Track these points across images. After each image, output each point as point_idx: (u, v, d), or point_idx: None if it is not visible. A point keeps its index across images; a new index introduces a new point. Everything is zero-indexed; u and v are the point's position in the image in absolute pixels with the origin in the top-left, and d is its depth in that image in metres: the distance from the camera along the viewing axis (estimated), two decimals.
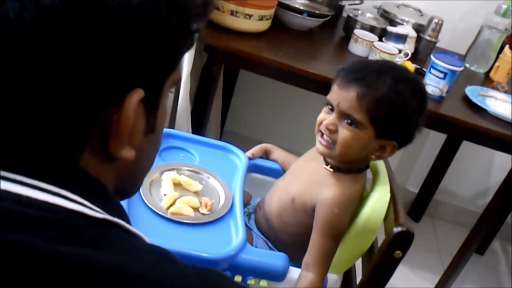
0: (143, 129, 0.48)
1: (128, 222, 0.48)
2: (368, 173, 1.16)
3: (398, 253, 0.99)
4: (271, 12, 1.67)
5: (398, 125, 1.04)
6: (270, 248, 1.18)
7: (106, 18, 0.40)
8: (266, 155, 1.35)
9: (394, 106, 1.02)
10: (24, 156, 0.43)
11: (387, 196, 1.09)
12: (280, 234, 1.17)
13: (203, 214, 1.07)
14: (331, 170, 1.12)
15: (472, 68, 1.94)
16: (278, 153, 1.34)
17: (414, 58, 1.79)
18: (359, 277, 1.13)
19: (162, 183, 1.12)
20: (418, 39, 1.86)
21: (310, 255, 1.07)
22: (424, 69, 1.68)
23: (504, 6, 1.82)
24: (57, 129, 0.42)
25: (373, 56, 1.67)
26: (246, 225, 1.15)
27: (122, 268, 0.40)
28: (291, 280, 1.06)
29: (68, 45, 0.39)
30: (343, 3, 1.96)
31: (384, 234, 1.03)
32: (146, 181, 1.10)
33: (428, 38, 1.86)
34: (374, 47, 1.67)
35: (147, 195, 1.07)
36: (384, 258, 1.00)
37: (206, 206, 1.08)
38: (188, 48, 0.49)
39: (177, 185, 1.13)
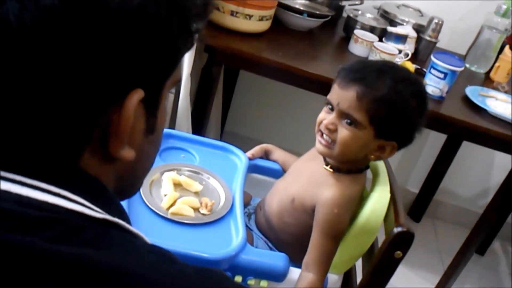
0: (143, 129, 0.48)
1: (128, 222, 0.48)
2: (368, 173, 1.16)
3: (398, 253, 0.99)
4: (271, 12, 1.67)
5: (397, 125, 1.04)
6: (271, 249, 1.18)
7: (106, 18, 0.40)
8: (266, 155, 1.35)
9: (394, 106, 1.02)
10: (24, 156, 0.43)
11: (387, 196, 1.09)
12: (280, 234, 1.17)
13: (203, 214, 1.08)
14: (331, 170, 1.12)
15: (472, 68, 1.94)
16: (278, 154, 1.34)
17: (414, 58, 1.79)
18: (359, 277, 1.13)
19: (162, 183, 1.12)
20: (418, 40, 1.86)
21: (310, 255, 1.07)
22: (424, 70, 1.68)
23: (504, 6, 1.82)
24: (57, 130, 0.42)
25: (373, 57, 1.67)
26: (247, 226, 1.15)
27: (122, 268, 0.40)
28: (291, 280, 1.06)
29: (68, 46, 0.39)
30: (343, 3, 1.96)
31: (384, 234, 1.03)
32: (147, 181, 1.10)
33: (428, 38, 1.86)
34: (374, 47, 1.67)
35: (148, 196, 1.07)
36: (384, 258, 1.00)
37: (206, 207, 1.08)
38: (188, 49, 0.49)
39: (177, 185, 1.13)
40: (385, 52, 1.65)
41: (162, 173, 1.14)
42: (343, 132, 1.04)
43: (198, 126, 1.66)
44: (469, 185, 2.40)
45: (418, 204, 2.40)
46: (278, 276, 1.04)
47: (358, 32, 1.75)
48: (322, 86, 1.44)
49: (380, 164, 1.19)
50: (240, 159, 1.27)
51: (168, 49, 0.46)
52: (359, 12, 1.92)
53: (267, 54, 1.58)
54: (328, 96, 1.08)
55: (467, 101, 1.63)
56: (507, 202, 1.80)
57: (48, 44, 0.39)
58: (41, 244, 0.38)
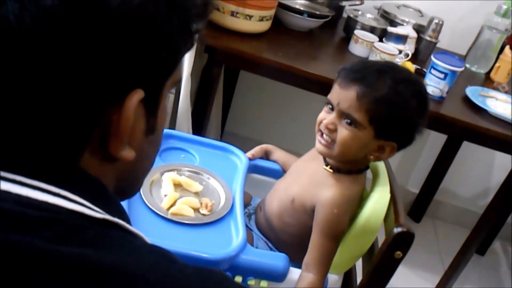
0: (143, 129, 0.48)
1: (129, 222, 0.48)
2: (368, 174, 1.16)
3: (398, 253, 0.99)
4: (271, 12, 1.67)
5: (397, 126, 1.04)
6: (271, 249, 1.18)
7: (106, 18, 0.40)
8: (266, 155, 1.35)
9: (394, 107, 1.02)
10: (24, 156, 0.43)
11: (387, 196, 1.09)
12: (281, 235, 1.17)
13: (203, 214, 1.08)
14: (331, 170, 1.12)
15: (473, 69, 1.94)
16: (279, 154, 1.34)
17: (414, 58, 1.79)
18: (359, 277, 1.13)
19: (162, 183, 1.12)
20: (419, 40, 1.86)
21: (310, 255, 1.07)
22: (425, 70, 1.68)
23: (504, 7, 1.82)
24: (57, 130, 0.43)
25: (373, 57, 1.67)
26: (247, 226, 1.15)
27: (122, 268, 0.40)
28: (291, 280, 1.06)
29: (68, 46, 0.39)
30: (343, 3, 1.96)
31: (384, 235, 1.03)
32: (147, 181, 1.10)
33: (428, 38, 1.86)
34: (375, 47, 1.67)
35: (148, 196, 1.07)
36: (384, 259, 1.00)
37: (206, 207, 1.08)
38: (188, 49, 0.49)
39: (177, 185, 1.13)
40: (385, 53, 1.65)
41: (162, 174, 1.14)
42: (343, 132, 1.04)
43: (198, 126, 1.66)
44: (469, 185, 2.40)
45: (419, 204, 2.40)
46: (278, 276, 1.04)
47: (358, 32, 1.75)
48: (322, 87, 1.44)
49: (380, 164, 1.19)
50: (240, 159, 1.27)
51: (168, 49, 0.46)
52: (359, 12, 1.92)
53: (267, 55, 1.59)
54: (329, 96, 1.08)
55: (467, 101, 1.63)
56: (507, 202, 1.80)
57: (48, 44, 0.39)
58: (41, 244, 0.38)
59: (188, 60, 1.50)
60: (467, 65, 1.93)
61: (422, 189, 2.39)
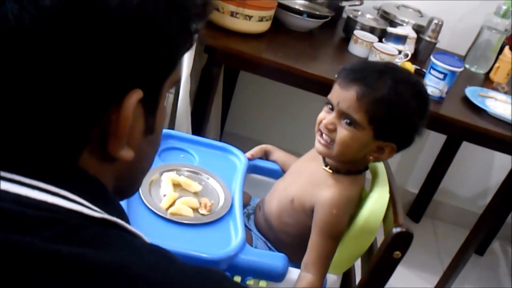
0: (142, 129, 0.48)
1: (128, 222, 0.48)
2: (368, 174, 1.16)
3: (397, 253, 0.99)
4: (271, 13, 1.67)
5: (397, 126, 1.04)
6: (270, 249, 1.18)
7: (105, 18, 0.40)
8: (265, 156, 1.35)
9: (394, 107, 1.02)
10: (24, 156, 0.43)
11: (386, 196, 1.09)
12: (280, 235, 1.17)
13: (202, 214, 1.08)
14: (330, 171, 1.12)
15: (472, 69, 1.94)
16: (278, 154, 1.34)
17: (414, 59, 1.79)
18: (358, 277, 1.13)
19: (161, 183, 1.12)
20: (418, 40, 1.86)
21: (309, 256, 1.07)
22: (424, 70, 1.68)
23: (504, 7, 1.82)
24: (56, 129, 0.43)
25: (373, 57, 1.67)
26: (246, 226, 1.16)
27: (122, 267, 0.40)
28: (290, 280, 1.06)
29: (67, 46, 0.39)
30: (343, 4, 1.96)
31: (383, 235, 1.03)
32: (146, 181, 1.10)
33: (428, 39, 1.86)
34: (374, 48, 1.67)
35: (147, 196, 1.07)
36: (383, 259, 1.00)
37: (205, 207, 1.08)
38: (187, 49, 0.49)
39: (176, 185, 1.13)
40: (385, 53, 1.65)
41: (161, 174, 1.14)
42: (342, 132, 1.04)
43: (198, 126, 1.66)
44: (469, 186, 2.40)
45: (418, 205, 2.40)
46: (277, 276, 1.04)
47: (358, 32, 1.75)
48: (321, 87, 1.44)
49: (379, 165, 1.19)
50: (239, 159, 1.28)
51: (168, 49, 0.46)
52: (359, 12, 1.92)
53: (267, 55, 1.59)
54: (329, 96, 1.08)
55: (466, 101, 1.63)
56: (506, 202, 1.80)
57: (47, 44, 0.39)
58: (41, 244, 0.38)
59: (187, 60, 1.50)
60: (467, 66, 1.93)
61: (421, 189, 2.39)
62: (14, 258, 0.37)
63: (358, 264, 1.20)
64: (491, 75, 1.89)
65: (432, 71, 1.56)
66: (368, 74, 1.04)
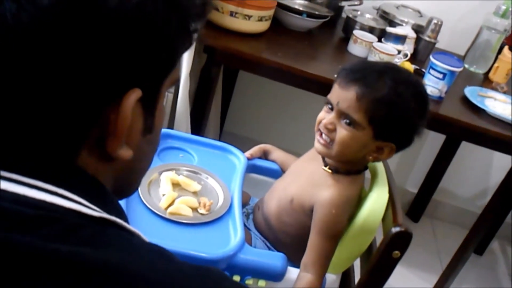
0: (141, 128, 0.48)
1: (126, 221, 0.48)
2: (367, 173, 1.16)
3: (396, 253, 0.99)
4: (270, 13, 1.67)
5: (397, 126, 1.04)
6: (269, 248, 1.18)
7: (105, 17, 0.40)
8: (265, 155, 1.35)
9: (394, 107, 1.02)
10: (22, 155, 0.43)
11: (385, 196, 1.09)
12: (279, 234, 1.17)
13: (201, 214, 1.08)
14: (330, 171, 1.12)
15: (471, 69, 1.94)
16: (277, 154, 1.34)
17: (413, 59, 1.79)
18: (357, 277, 1.13)
19: (160, 183, 1.12)
20: (417, 40, 1.86)
21: (309, 256, 1.07)
22: (423, 70, 1.68)
23: (503, 7, 1.82)
24: (55, 129, 0.43)
25: (373, 57, 1.67)
26: (245, 225, 1.16)
27: (120, 266, 0.40)
28: (289, 280, 1.06)
29: (66, 45, 0.39)
30: (343, 4, 1.96)
31: (382, 234, 1.03)
32: (145, 181, 1.10)
33: (427, 38, 1.86)
34: (373, 48, 1.67)
35: (146, 195, 1.07)
36: (382, 258, 1.00)
37: (204, 206, 1.08)
38: (186, 48, 0.49)
39: (175, 185, 1.13)
40: (384, 53, 1.65)
41: (160, 173, 1.14)
42: (342, 132, 1.04)
43: (197, 126, 1.66)
44: (468, 185, 2.40)
45: (417, 204, 2.40)
46: (276, 276, 1.04)
47: (357, 32, 1.75)
48: (321, 87, 1.44)
49: (379, 164, 1.19)
50: (238, 159, 1.28)
51: (167, 49, 0.46)
52: (358, 12, 1.92)
53: (266, 55, 1.59)
54: (328, 96, 1.08)
55: (466, 101, 1.63)
56: (505, 202, 1.81)
57: (45, 43, 0.39)
58: (39, 243, 0.38)
59: (187, 60, 1.50)
60: (466, 65, 1.93)
61: (420, 189, 2.39)
62: (14, 258, 0.37)
63: (357, 264, 1.20)
64: (490, 75, 1.89)
65: (432, 71, 1.56)
66: (368, 74, 1.04)
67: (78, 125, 0.43)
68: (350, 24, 1.85)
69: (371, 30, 1.82)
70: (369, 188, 1.14)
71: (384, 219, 1.08)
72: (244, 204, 1.25)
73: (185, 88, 1.55)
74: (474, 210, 2.34)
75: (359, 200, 1.13)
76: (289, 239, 1.16)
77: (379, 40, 1.75)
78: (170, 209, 1.05)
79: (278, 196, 1.17)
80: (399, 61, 1.69)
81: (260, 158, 1.33)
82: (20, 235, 0.38)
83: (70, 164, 0.45)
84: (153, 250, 0.45)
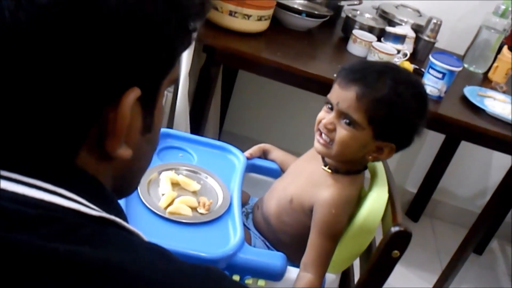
0: (140, 128, 0.48)
1: (126, 220, 0.47)
2: (366, 173, 1.16)
3: (395, 252, 0.99)
4: (269, 12, 1.67)
5: (396, 126, 1.04)
6: (268, 248, 1.18)
7: (104, 17, 0.40)
8: (264, 155, 1.35)
9: (394, 107, 1.02)
10: (21, 154, 0.43)
11: (385, 196, 1.09)
12: (279, 234, 1.17)
13: (201, 213, 1.08)
14: (329, 171, 1.12)
15: (471, 69, 1.94)
16: (277, 153, 1.34)
17: (412, 58, 1.79)
18: (357, 276, 1.13)
19: (160, 182, 1.12)
20: (417, 40, 1.86)
21: (308, 255, 1.07)
22: (423, 70, 1.68)
23: (503, 7, 1.82)
24: (54, 128, 0.42)
25: (372, 57, 1.67)
26: (244, 225, 1.16)
27: (120, 266, 0.40)
28: (289, 279, 1.06)
29: (65, 45, 0.39)
30: (342, 3, 1.96)
31: (382, 234, 1.03)
32: (144, 180, 1.10)
33: (426, 38, 1.86)
34: (373, 47, 1.67)
35: (145, 195, 1.07)
36: (381, 258, 1.00)
37: (204, 206, 1.08)
38: (185, 47, 0.49)
39: (175, 184, 1.13)
40: (383, 52, 1.65)
41: (160, 173, 1.14)
42: (342, 132, 1.04)
43: (197, 125, 1.66)
44: (468, 185, 2.40)
45: (416, 204, 2.40)
46: (276, 275, 1.04)
47: (356, 32, 1.75)
48: (321, 86, 1.44)
49: (378, 164, 1.19)
50: (238, 158, 1.28)
51: (166, 48, 0.46)
52: (358, 12, 1.92)
53: (265, 54, 1.59)
54: (328, 96, 1.08)
55: (465, 101, 1.63)
56: (505, 201, 1.81)
57: (44, 42, 0.39)
58: (40, 242, 0.38)
59: (186, 59, 1.50)
60: (465, 65, 1.93)
61: (420, 188, 2.39)
62: (13, 257, 0.37)
63: (356, 263, 1.20)
64: (490, 74, 1.89)
65: (431, 71, 1.56)
66: (368, 74, 1.03)
67: (77, 124, 0.43)
68: (349, 24, 1.85)
69: (370, 29, 1.82)
70: (368, 188, 1.14)
71: (383, 218, 1.08)
72: (244, 203, 1.25)
73: (184, 87, 1.55)
74: (473, 210, 2.34)
75: (358, 199, 1.13)
76: (288, 238, 1.16)
77: (379, 40, 1.75)
78: (169, 209, 1.05)
79: (277, 196, 1.17)
80: (399, 60, 1.69)
81: (259, 157, 1.33)
82: (19, 234, 0.38)
83: (70, 163, 0.45)
84: (152, 250, 0.45)
